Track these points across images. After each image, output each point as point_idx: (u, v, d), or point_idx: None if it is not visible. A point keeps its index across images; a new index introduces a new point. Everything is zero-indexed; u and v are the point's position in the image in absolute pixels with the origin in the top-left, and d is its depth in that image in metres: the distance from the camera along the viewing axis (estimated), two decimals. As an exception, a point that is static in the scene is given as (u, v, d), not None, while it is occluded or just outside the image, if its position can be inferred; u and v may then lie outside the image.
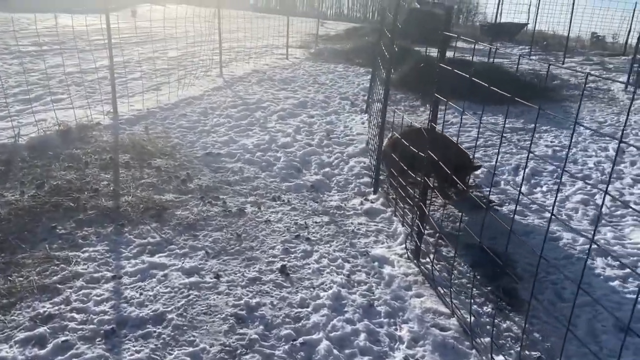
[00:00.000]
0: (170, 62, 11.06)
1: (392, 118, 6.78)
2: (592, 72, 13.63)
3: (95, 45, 11.17)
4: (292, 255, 3.97)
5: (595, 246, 4.31)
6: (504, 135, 7.42)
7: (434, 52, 13.18)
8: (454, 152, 4.55)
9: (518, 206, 5.13)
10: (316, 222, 4.55)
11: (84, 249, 3.81)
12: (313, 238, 4.27)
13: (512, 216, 4.90)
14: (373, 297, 3.49)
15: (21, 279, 3.39)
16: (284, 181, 5.44)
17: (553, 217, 4.32)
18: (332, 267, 3.84)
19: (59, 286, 3.35)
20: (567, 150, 7.06)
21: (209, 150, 6.03)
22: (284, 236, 4.26)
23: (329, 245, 4.18)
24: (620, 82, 11.69)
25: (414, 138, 4.59)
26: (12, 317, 3.04)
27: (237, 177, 5.40)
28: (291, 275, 3.70)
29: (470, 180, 5.72)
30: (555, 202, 2.94)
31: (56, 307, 3.15)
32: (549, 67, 2.79)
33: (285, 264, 3.82)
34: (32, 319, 3.03)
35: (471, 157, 5.13)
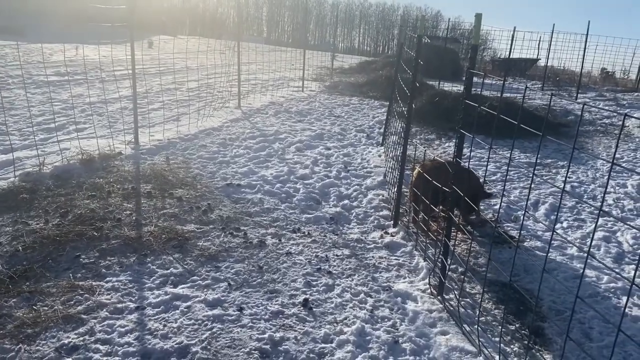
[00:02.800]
0: (188, 94, 11.28)
1: (412, 152, 6.81)
2: (605, 107, 13.70)
3: (115, 76, 11.43)
4: (314, 289, 3.96)
5: (620, 285, 4.25)
6: (521, 169, 7.42)
7: (446, 86, 13.35)
8: (469, 181, 4.58)
9: (539, 242, 5.10)
10: (337, 255, 4.55)
11: (108, 278, 3.83)
12: (334, 271, 4.25)
13: (536, 252, 4.87)
14: (397, 334, 3.45)
15: (46, 308, 3.40)
16: (304, 213, 5.45)
17: (580, 254, 4.28)
18: (354, 302, 3.81)
19: (84, 316, 3.36)
20: (585, 185, 7.04)
21: (229, 181, 6.08)
22: (306, 269, 4.25)
23: (350, 279, 4.16)
24: (619, 113, 11.68)
25: (435, 172, 4.61)
26: (37, 347, 3.04)
27: (257, 208, 5.43)
28: (314, 309, 3.68)
29: (489, 215, 5.71)
30: (591, 242, 2.92)
31: (81, 338, 3.14)
32: (583, 107, 2.82)
33: (308, 297, 3.81)
34: (57, 350, 3.03)
35: (484, 185, 5.16)
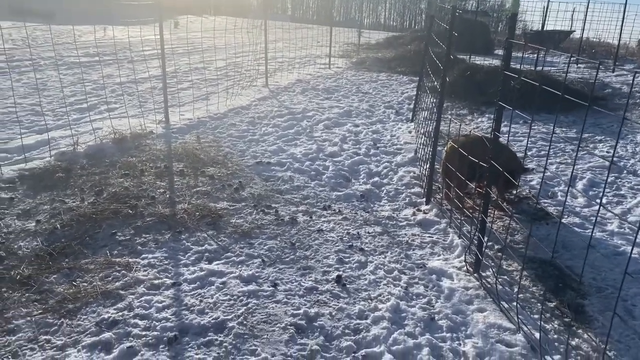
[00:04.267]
0: (216, 73, 11.27)
1: (444, 127, 6.65)
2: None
3: (144, 56, 11.49)
4: (347, 266, 3.93)
5: (665, 262, 4.11)
6: (557, 144, 7.20)
7: (477, 60, 13.00)
8: (507, 156, 4.46)
9: (577, 218, 4.96)
10: (368, 233, 4.51)
11: (144, 255, 3.88)
12: (367, 249, 4.22)
13: (575, 229, 4.73)
14: (433, 311, 3.41)
15: (85, 284, 3.47)
16: (334, 190, 5.42)
17: (620, 230, 4.14)
18: (388, 279, 3.78)
19: (122, 292, 3.41)
20: (625, 160, 6.80)
21: (259, 159, 6.07)
22: (337, 246, 4.23)
23: (383, 256, 4.12)
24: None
25: (471, 147, 4.50)
26: (79, 322, 3.10)
27: (287, 185, 5.41)
28: (347, 285, 3.66)
29: (526, 192, 5.57)
30: None
31: (120, 313, 3.20)
32: (634, 76, 2.68)
33: (341, 274, 3.79)
34: (98, 324, 3.09)
35: (521, 160, 5.02)
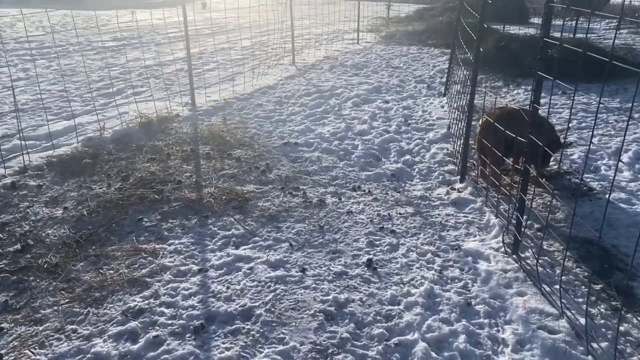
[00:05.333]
0: (243, 52, 11.13)
1: (479, 100, 6.34)
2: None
3: (170, 39, 11.44)
4: (378, 249, 3.78)
5: None
6: (599, 116, 6.81)
7: (512, 29, 12.44)
8: (544, 129, 4.19)
9: (623, 194, 4.66)
10: (400, 214, 4.33)
11: (170, 241, 3.82)
12: (398, 230, 4.05)
13: (620, 205, 4.44)
14: (470, 295, 3.24)
15: (112, 272, 3.43)
16: (363, 170, 5.24)
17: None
18: (421, 262, 3.61)
19: (148, 279, 3.36)
20: (674, 130, 6.37)
21: (286, 140, 5.94)
22: (368, 228, 4.07)
23: (415, 238, 3.95)
24: None
25: (507, 120, 4.24)
26: (105, 311, 3.06)
27: (315, 166, 5.27)
28: (378, 269, 3.52)
29: (566, 166, 5.28)
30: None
31: (146, 301, 3.15)
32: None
33: (372, 257, 3.64)
34: (124, 313, 3.04)
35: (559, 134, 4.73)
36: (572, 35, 10.94)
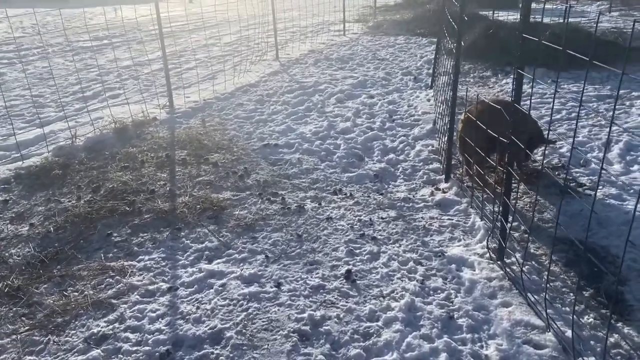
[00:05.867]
0: (225, 49, 10.88)
1: (463, 92, 6.17)
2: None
3: (153, 36, 11.16)
4: (358, 258, 3.61)
5: None
6: (588, 105, 6.64)
7: (501, 15, 12.20)
8: (527, 126, 4.01)
9: (614, 189, 4.49)
10: (382, 218, 4.16)
11: (140, 257, 3.64)
12: (379, 237, 3.88)
13: (611, 201, 4.26)
14: (452, 308, 3.07)
15: (76, 293, 3.26)
16: (345, 171, 5.06)
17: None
18: (402, 272, 3.44)
19: (114, 301, 3.19)
20: (666, 118, 6.20)
21: (266, 142, 5.74)
22: (348, 235, 3.90)
23: (397, 244, 3.78)
24: None
25: (488, 116, 4.05)
26: (66, 339, 2.89)
27: (295, 169, 5.08)
28: (357, 281, 3.35)
29: (555, 160, 5.11)
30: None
31: (110, 326, 2.97)
32: (634, 25, 2.23)
33: (351, 268, 3.47)
34: (86, 340, 2.87)
35: (543, 128, 4.55)
36: (563, 20, 10.74)
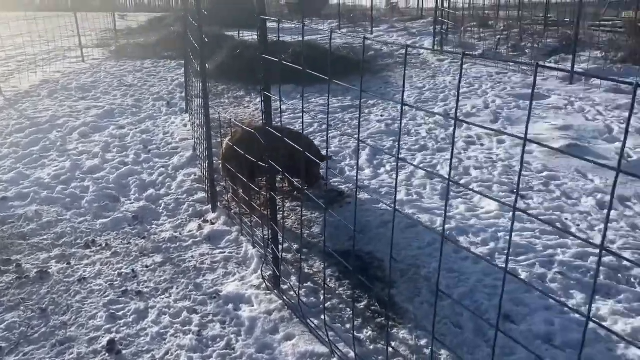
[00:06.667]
0: None
1: (218, 115, 5.97)
2: (408, 44, 14.29)
3: None
4: (122, 322, 3.07)
5: (454, 224, 4.12)
6: (335, 115, 7.13)
7: (246, 35, 12.56)
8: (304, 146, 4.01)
9: (367, 194, 4.79)
10: (147, 266, 3.66)
11: None
12: (145, 290, 3.39)
13: (371, 205, 4.52)
14: (235, 356, 2.78)
15: None
16: (98, 218, 4.39)
17: (409, 198, 3.96)
18: (176, 326, 3.03)
19: None
20: (398, 122, 7.01)
21: (-11, 197, 4.66)
22: (107, 296, 3.31)
23: (167, 294, 3.35)
24: (454, 52, 12.35)
25: (248, 141, 3.91)
26: None
27: (33, 225, 4.21)
28: (124, 351, 2.83)
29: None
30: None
31: None
32: (364, 41, 2.33)
33: (114, 336, 2.93)
34: None
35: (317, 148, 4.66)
36: (301, 38, 11.51)
